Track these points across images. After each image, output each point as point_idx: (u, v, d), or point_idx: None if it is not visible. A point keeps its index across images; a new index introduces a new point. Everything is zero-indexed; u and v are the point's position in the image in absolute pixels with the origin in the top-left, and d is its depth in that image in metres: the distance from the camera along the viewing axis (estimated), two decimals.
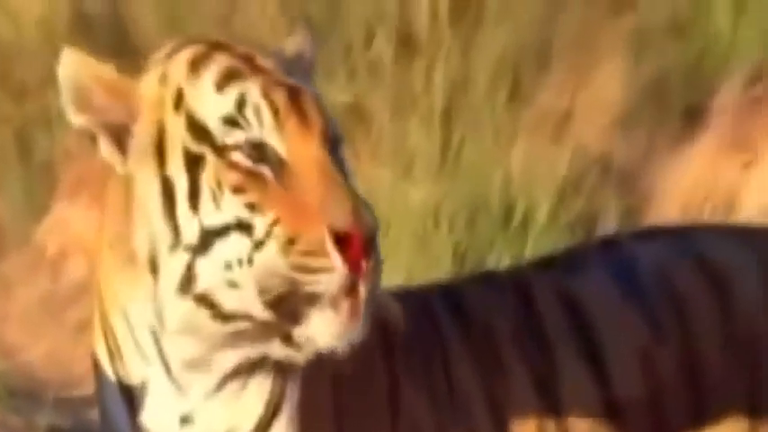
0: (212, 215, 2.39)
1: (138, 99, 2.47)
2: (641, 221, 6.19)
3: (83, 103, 2.48)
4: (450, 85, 6.44)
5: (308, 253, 2.32)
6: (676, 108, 6.75)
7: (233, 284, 2.38)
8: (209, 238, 2.39)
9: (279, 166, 2.40)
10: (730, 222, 5.70)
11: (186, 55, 2.48)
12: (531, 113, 6.45)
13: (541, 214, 6.08)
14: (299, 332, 2.36)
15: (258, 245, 2.35)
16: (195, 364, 2.52)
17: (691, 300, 2.89)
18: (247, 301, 2.37)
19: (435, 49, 6.49)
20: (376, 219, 2.34)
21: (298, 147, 2.41)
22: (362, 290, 2.33)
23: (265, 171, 2.39)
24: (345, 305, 2.34)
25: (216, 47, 2.49)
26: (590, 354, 2.87)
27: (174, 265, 2.41)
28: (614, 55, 6.70)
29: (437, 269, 5.75)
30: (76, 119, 2.47)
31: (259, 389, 2.58)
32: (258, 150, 2.41)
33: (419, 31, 6.61)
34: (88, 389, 4.82)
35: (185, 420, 2.59)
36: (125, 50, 6.71)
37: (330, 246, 2.30)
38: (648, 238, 3.04)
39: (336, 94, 6.12)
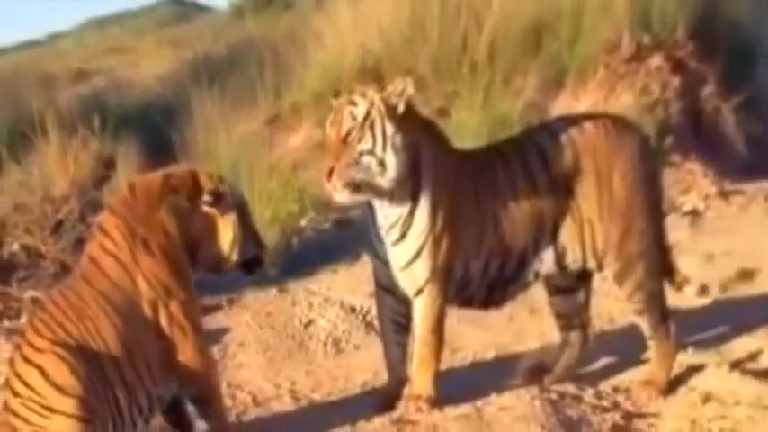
0: None
1: None
2: None
3: None
4: None
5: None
6: None
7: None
8: None
9: None
10: None
11: None
12: None
13: None
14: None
15: None
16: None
17: None
18: None
19: None
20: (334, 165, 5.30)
21: (329, 137, 5.38)
22: (333, 184, 5.29)
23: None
24: (328, 187, 5.31)
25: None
26: None
27: None
28: None
29: None
30: None
31: (400, 196, 5.39)
32: None
33: None
34: None
35: (391, 226, 5.47)
36: None
37: (324, 180, 5.29)
38: None
39: None
